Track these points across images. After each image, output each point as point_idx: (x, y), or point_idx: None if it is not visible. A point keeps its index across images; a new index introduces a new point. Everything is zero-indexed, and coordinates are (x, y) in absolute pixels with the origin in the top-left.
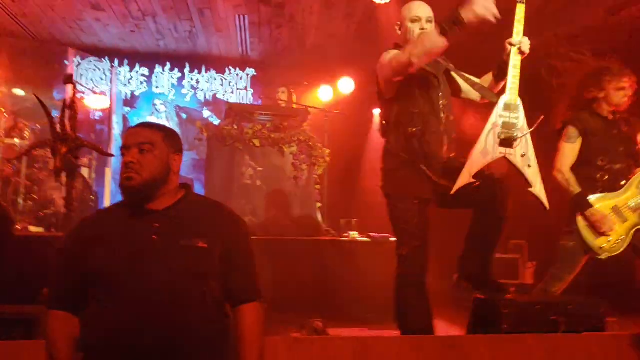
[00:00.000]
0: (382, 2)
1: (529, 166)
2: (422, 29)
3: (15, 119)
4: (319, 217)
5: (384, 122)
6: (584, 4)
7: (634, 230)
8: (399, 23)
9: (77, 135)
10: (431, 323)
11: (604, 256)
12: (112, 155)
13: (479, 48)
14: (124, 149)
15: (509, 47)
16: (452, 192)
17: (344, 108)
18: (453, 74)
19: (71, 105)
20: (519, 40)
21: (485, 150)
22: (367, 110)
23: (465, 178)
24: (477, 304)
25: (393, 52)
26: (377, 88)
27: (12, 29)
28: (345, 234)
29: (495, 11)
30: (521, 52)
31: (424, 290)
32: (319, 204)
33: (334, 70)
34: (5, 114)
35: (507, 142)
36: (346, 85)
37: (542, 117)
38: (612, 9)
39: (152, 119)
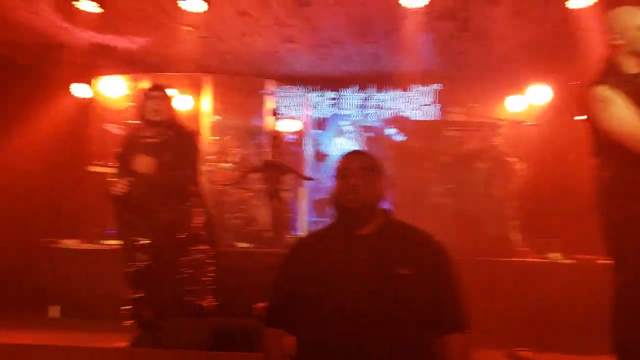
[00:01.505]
0: (578, 7)
1: None
2: None
3: (224, 146)
4: (516, 236)
5: (595, 141)
6: None
7: None
8: (615, 34)
9: (283, 162)
10: None
11: None
12: (312, 179)
13: None
14: (346, 171)
15: None
16: None
17: (539, 118)
18: None
19: (276, 136)
20: None
21: None
22: (565, 118)
23: None
24: None
25: (619, 119)
26: (584, 111)
27: (218, 65)
28: (545, 255)
29: None
30: None
31: None
32: (515, 223)
33: (526, 79)
34: (217, 142)
35: None
36: (540, 93)
37: None
38: None
39: (341, 140)
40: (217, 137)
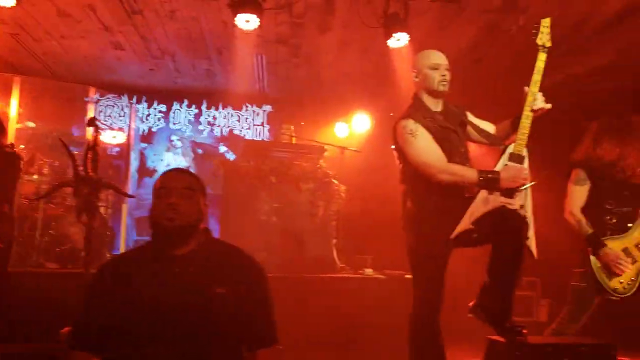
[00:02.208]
0: (396, 46)
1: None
2: (443, 76)
3: (34, 155)
4: (335, 254)
5: (402, 170)
6: (594, 46)
7: None
8: (415, 71)
9: (99, 176)
10: None
11: (617, 297)
12: (133, 197)
13: (489, 89)
14: (165, 190)
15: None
16: (452, 237)
17: (361, 144)
18: (466, 121)
19: (93, 147)
20: (534, 94)
21: (487, 198)
22: (383, 146)
23: (465, 224)
24: (490, 345)
25: (422, 150)
26: (394, 141)
27: (33, 67)
28: (361, 271)
29: (526, 176)
30: (533, 110)
31: (437, 331)
32: (334, 241)
33: (351, 107)
34: (24, 150)
35: (508, 191)
36: (362, 122)
37: (546, 172)
38: (621, 51)
39: (169, 155)
40: (24, 146)
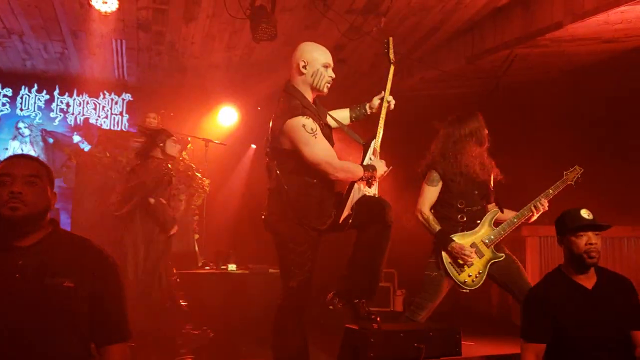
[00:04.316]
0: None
1: None
2: (330, 77)
3: None
4: (197, 249)
5: (282, 163)
6: (447, 52)
7: (489, 264)
8: (304, 61)
9: None
10: (306, 354)
11: (467, 290)
12: None
13: (352, 88)
14: (8, 177)
15: (376, 101)
16: (340, 221)
17: (226, 138)
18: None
19: None
20: (389, 98)
21: (359, 187)
22: (248, 142)
23: (348, 210)
24: (347, 333)
25: (324, 150)
26: (275, 141)
27: None
28: (224, 266)
29: (386, 168)
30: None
31: (302, 321)
32: (196, 235)
33: (216, 100)
34: None
35: (369, 182)
36: (228, 115)
37: (391, 167)
38: (470, 58)
39: (15, 143)
40: None
